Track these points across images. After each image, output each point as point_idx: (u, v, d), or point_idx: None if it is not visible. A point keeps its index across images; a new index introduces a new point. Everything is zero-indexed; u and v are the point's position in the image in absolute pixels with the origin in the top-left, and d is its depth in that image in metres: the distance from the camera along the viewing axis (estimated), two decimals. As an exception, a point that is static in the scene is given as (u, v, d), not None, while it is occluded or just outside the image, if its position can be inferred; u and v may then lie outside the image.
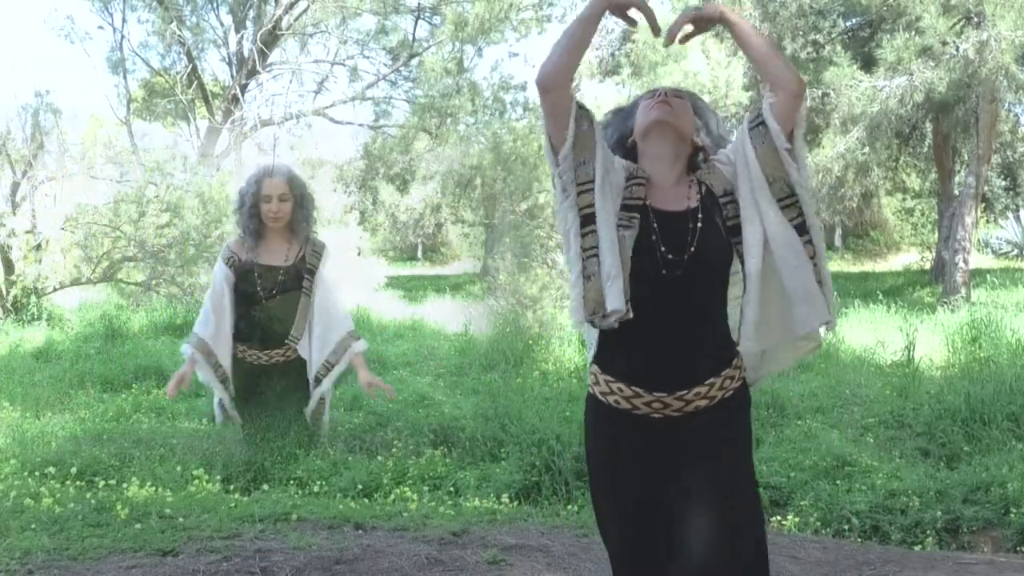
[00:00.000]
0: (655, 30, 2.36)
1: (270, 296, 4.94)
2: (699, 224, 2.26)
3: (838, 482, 4.90)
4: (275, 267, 4.96)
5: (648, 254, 2.24)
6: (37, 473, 4.81)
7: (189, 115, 14.59)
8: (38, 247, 11.36)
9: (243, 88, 14.66)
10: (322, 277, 5.02)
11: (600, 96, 18.33)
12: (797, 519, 4.52)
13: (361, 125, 18.41)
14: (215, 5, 15.89)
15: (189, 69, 14.27)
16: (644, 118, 2.34)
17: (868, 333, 10.22)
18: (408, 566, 3.50)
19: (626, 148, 2.40)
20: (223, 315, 4.90)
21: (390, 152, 18.35)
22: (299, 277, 4.98)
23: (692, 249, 2.23)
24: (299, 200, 4.99)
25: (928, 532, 4.41)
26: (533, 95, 22.30)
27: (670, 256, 2.23)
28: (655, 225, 2.26)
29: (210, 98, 15.44)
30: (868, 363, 8.34)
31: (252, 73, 14.80)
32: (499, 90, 18.06)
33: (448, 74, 17.23)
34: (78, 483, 4.69)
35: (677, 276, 2.22)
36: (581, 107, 2.27)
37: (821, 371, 7.91)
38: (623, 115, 2.48)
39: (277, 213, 4.91)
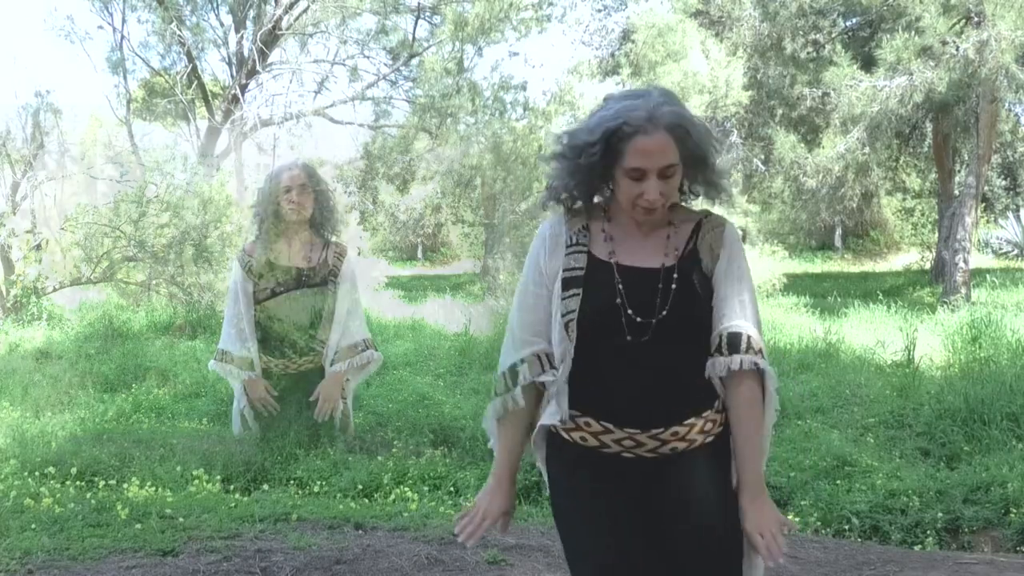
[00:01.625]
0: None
1: (292, 299, 4.90)
2: (673, 285, 2.07)
3: (838, 482, 4.91)
4: (298, 269, 4.90)
5: (612, 318, 2.06)
6: (37, 473, 4.81)
7: (189, 115, 14.58)
8: (38, 247, 11.35)
9: (243, 88, 14.65)
10: (344, 281, 4.96)
11: (600, 96, 18.31)
12: (797, 519, 4.52)
13: (361, 125, 18.40)
14: (215, 5, 15.88)
15: (189, 69, 14.26)
16: (630, 211, 2.09)
17: (868, 333, 10.24)
18: (408, 566, 3.50)
19: (601, 172, 2.09)
20: (249, 324, 4.86)
21: (390, 152, 18.34)
22: (323, 280, 4.92)
23: (663, 313, 2.05)
24: (321, 196, 4.93)
25: (928, 532, 4.41)
26: (533, 95, 22.32)
27: (638, 320, 2.05)
28: (620, 286, 2.07)
29: (210, 98, 15.43)
30: (868, 363, 8.34)
31: (252, 73, 14.79)
32: (499, 90, 18.05)
33: (448, 74, 17.21)
34: (78, 483, 4.68)
35: (644, 342, 2.05)
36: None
37: (821, 371, 7.91)
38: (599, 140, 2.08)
39: (298, 205, 4.84)
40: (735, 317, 2.08)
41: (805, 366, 8.19)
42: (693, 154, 2.05)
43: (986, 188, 21.83)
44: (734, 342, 2.07)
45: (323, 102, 17.87)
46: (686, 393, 2.08)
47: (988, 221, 24.84)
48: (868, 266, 25.41)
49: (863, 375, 7.57)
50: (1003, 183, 25.87)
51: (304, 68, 16.78)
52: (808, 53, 18.00)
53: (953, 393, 6.25)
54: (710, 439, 2.11)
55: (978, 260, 19.12)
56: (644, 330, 2.05)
